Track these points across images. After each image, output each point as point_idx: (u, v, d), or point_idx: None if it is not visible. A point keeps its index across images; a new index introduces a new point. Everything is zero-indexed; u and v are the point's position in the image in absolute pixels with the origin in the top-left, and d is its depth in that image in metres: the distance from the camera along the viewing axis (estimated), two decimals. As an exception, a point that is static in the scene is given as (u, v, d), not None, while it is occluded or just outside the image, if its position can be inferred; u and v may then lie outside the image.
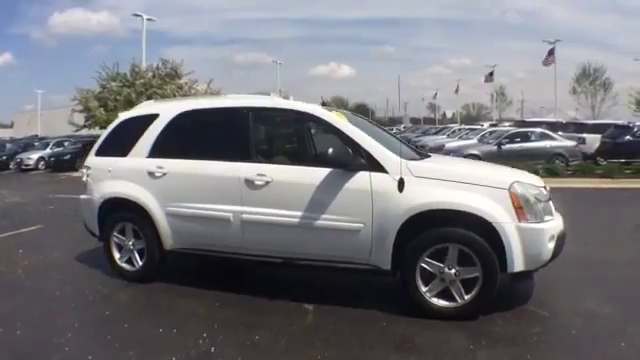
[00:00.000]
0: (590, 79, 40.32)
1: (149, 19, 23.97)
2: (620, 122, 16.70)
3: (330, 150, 3.32)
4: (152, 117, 4.18)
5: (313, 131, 4.03)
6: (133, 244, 4.16)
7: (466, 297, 3.17)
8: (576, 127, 17.06)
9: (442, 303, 3.23)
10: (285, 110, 3.84)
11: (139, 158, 4.12)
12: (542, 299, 3.53)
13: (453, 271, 3.18)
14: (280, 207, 3.52)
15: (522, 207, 3.10)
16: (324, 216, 3.40)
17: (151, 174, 4.00)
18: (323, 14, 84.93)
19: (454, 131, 23.07)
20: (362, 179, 3.33)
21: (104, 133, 4.57)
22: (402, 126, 46.77)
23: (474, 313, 3.18)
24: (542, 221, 3.15)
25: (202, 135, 4.02)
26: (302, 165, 3.62)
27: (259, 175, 3.57)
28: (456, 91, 46.45)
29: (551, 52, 29.62)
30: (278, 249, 3.62)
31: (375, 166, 3.34)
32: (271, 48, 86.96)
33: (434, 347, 2.88)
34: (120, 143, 4.33)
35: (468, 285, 3.18)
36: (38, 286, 4.08)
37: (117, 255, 4.25)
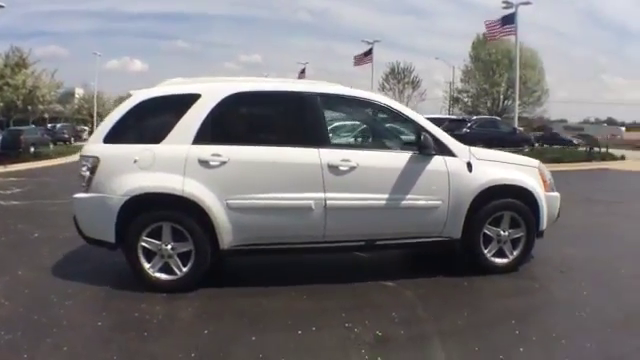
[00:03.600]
0: (399, 77, 42.91)
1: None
2: (454, 117, 20.72)
3: (422, 137, 3.66)
4: (191, 97, 3.57)
5: (381, 118, 4.18)
6: (173, 247, 3.48)
7: (514, 253, 4.01)
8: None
9: (498, 261, 3.99)
10: (355, 98, 3.91)
11: (182, 145, 3.47)
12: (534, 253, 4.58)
13: (506, 233, 3.97)
14: (367, 191, 3.64)
15: (546, 181, 4.12)
16: (408, 196, 3.71)
17: (204, 163, 3.44)
18: (117, 7, 78.07)
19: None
20: (439, 162, 3.78)
21: (113, 115, 3.59)
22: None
23: (517, 266, 4.05)
24: (554, 191, 4.25)
25: (266, 120, 3.70)
26: (379, 150, 3.80)
27: (343, 160, 3.59)
28: None
29: (368, 52, 32.49)
30: (361, 232, 3.72)
31: (446, 151, 3.83)
32: (65, 41, 76.33)
33: (526, 290, 3.67)
34: (146, 127, 3.56)
35: (514, 244, 4.02)
36: (58, 319, 2.97)
37: (146, 264, 3.47)
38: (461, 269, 3.95)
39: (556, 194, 4.21)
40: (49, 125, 25.86)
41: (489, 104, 36.36)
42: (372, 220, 3.70)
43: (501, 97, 36.06)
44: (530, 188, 3.97)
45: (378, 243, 3.80)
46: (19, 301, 3.23)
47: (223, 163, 3.46)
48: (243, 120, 3.77)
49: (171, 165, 3.44)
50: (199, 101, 3.55)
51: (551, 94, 38.75)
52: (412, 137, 4.01)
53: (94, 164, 3.46)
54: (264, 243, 3.64)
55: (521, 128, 32.27)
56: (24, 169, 13.61)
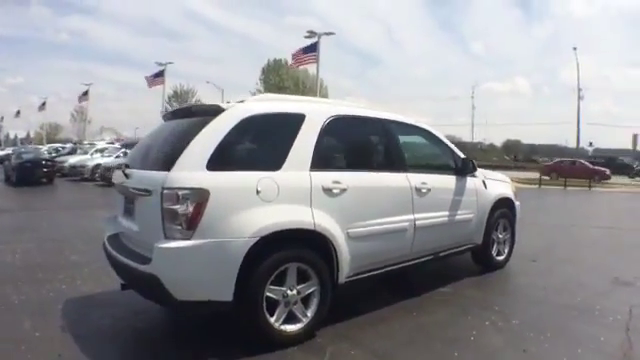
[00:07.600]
0: (180, 100, 44.42)
1: None
2: None
3: (463, 162, 4.37)
4: (298, 118, 3.24)
5: (428, 144, 4.49)
6: (299, 291, 3.04)
7: (506, 251, 5.10)
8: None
9: (499, 258, 4.99)
10: (414, 126, 4.24)
11: (302, 172, 3.10)
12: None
13: (502, 236, 5.02)
14: (437, 210, 4.06)
15: (515, 193, 5.39)
16: (459, 212, 4.32)
17: (328, 191, 3.18)
18: None
19: (99, 150, 21.87)
20: (470, 182, 4.53)
21: (210, 133, 2.83)
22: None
23: (506, 262, 5.13)
24: (517, 200, 5.55)
25: (364, 145, 3.63)
26: (437, 173, 4.23)
27: (422, 183, 3.91)
28: (17, 114, 51.47)
29: (159, 74, 31.93)
30: (432, 246, 4.08)
31: (470, 172, 4.61)
32: None
33: (534, 275, 4.80)
34: (254, 150, 3.03)
35: (505, 244, 5.10)
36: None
37: (271, 318, 2.91)
38: (463, 270, 4.80)
39: (519, 202, 5.55)
40: None
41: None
42: (440, 235, 4.13)
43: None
44: (513, 199, 5.16)
45: (440, 255, 4.22)
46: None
47: (343, 190, 3.26)
48: (345, 145, 3.61)
49: (297, 195, 3.03)
50: (306, 122, 3.24)
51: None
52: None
53: (201, 199, 2.68)
54: (369, 270, 3.55)
55: None
56: None
